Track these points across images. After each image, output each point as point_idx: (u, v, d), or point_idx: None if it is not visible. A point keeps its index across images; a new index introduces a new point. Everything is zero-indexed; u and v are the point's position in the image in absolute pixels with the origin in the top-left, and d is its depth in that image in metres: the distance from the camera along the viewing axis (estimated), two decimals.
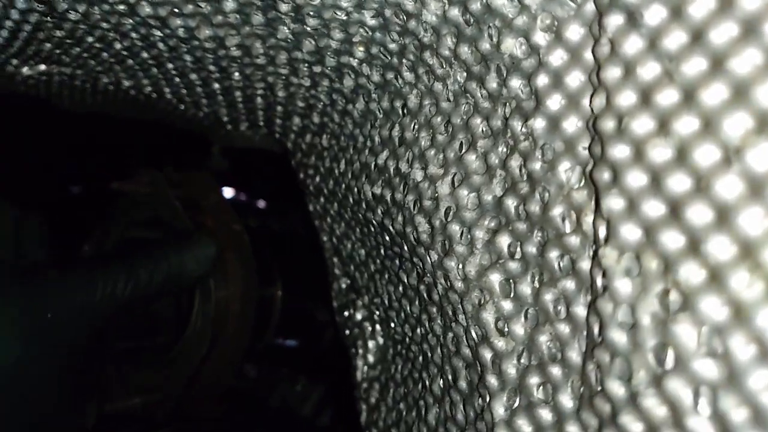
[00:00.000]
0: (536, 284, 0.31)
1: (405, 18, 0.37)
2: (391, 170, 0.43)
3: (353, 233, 0.54)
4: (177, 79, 0.52)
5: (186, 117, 0.68)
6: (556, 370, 0.30)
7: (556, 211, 0.30)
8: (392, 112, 0.43)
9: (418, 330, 0.43)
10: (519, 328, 0.32)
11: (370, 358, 0.55)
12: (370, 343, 0.55)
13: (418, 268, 0.41)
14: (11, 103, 0.69)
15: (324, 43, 0.42)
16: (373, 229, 0.48)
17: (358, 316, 0.57)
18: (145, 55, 0.48)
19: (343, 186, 0.51)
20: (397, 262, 0.45)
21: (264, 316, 0.74)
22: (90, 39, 0.45)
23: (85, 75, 0.54)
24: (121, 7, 0.40)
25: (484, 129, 0.34)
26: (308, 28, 0.41)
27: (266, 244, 0.76)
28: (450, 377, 0.38)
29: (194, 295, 0.66)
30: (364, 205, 0.47)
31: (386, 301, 0.49)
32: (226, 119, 0.61)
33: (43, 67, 0.51)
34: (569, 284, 0.29)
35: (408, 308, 0.44)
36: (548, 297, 0.30)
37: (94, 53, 0.48)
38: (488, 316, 0.33)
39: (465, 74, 0.35)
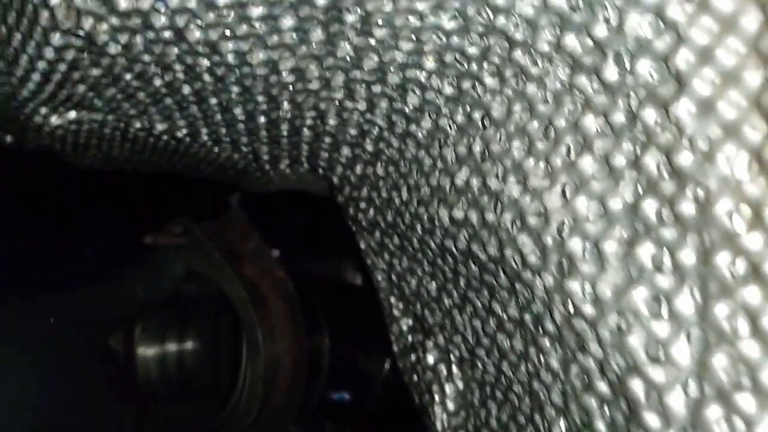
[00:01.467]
0: (699, 299, 0.26)
1: (492, 15, 0.33)
2: (476, 189, 0.38)
3: (419, 267, 0.49)
4: (218, 116, 0.48)
5: (218, 162, 0.64)
6: (744, 399, 0.24)
7: (721, 208, 0.25)
8: (469, 126, 0.39)
9: (523, 367, 0.38)
10: (681, 353, 0.27)
11: (450, 405, 0.49)
12: (448, 388, 0.50)
13: (522, 296, 0.36)
14: (28, 160, 0.65)
15: (389, 57, 0.38)
16: (451, 259, 0.43)
17: (430, 360, 0.51)
18: (186, 90, 0.44)
19: (407, 215, 0.47)
20: (485, 293, 0.41)
21: (313, 370, 0.68)
22: (128, 76, 0.41)
23: (117, 120, 0.50)
24: (167, 34, 0.36)
25: (600, 127, 0.30)
26: (373, 41, 0.37)
27: (309, 290, 0.71)
28: (578, 419, 0.33)
29: (241, 351, 0.60)
30: (439, 233, 0.43)
31: (471, 339, 0.44)
32: (265, 158, 0.57)
33: (73, 114, 0.47)
34: (750, 293, 0.24)
35: (506, 343, 0.39)
36: (720, 310, 0.25)
37: (130, 93, 0.44)
38: (635, 342, 0.28)
39: (570, 69, 0.31)
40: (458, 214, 0.40)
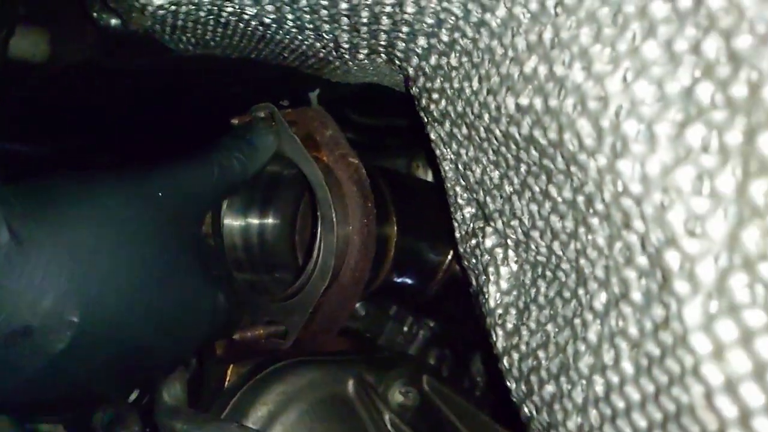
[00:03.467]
0: (739, 176, 0.28)
1: None
2: (542, 77, 0.40)
3: (485, 156, 0.52)
4: (303, 1, 0.51)
5: (300, 50, 0.67)
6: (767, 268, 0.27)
7: None
8: (542, 14, 0.40)
9: (572, 246, 0.41)
10: (717, 228, 0.29)
11: (504, 285, 0.53)
12: (503, 270, 0.54)
13: (576, 178, 0.38)
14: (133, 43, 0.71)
15: None
16: (514, 146, 0.45)
17: (488, 243, 0.55)
18: None
19: (477, 105, 0.49)
20: (544, 177, 0.43)
21: (379, 254, 0.74)
22: None
23: (211, 4, 0.54)
24: None
25: (666, 13, 0.31)
26: None
27: (381, 181, 0.75)
28: (617, 290, 0.36)
29: (316, 229, 0.66)
30: (504, 121, 0.45)
31: (527, 222, 0.47)
32: (345, 46, 0.60)
33: None
34: None
35: (559, 224, 0.42)
36: (757, 188, 0.27)
37: None
38: (675, 217, 0.30)
39: None
40: (524, 101, 0.42)
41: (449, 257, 0.81)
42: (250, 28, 0.60)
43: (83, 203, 0.49)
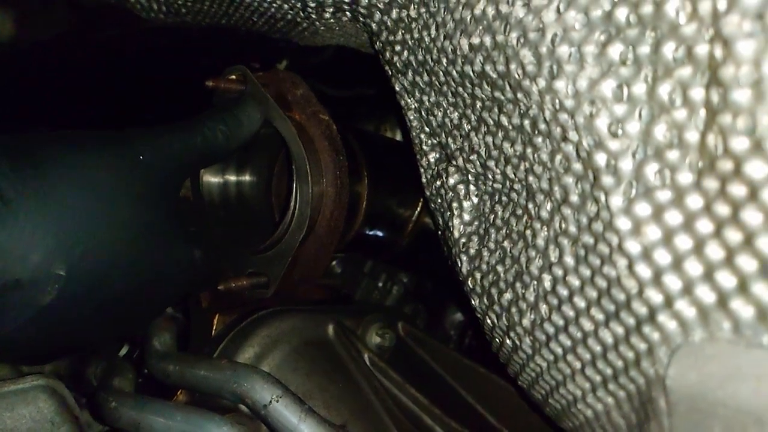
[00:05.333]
0: (650, 81, 0.33)
1: None
2: (490, 16, 0.45)
3: (445, 99, 0.57)
4: None
5: (269, 13, 0.71)
6: (673, 154, 0.32)
7: (671, 6, 0.32)
8: None
9: (522, 166, 0.46)
10: (633, 126, 0.34)
11: (466, 217, 0.59)
12: (465, 204, 0.59)
13: (522, 104, 0.44)
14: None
15: None
16: (469, 84, 0.50)
17: (451, 182, 0.60)
18: None
19: (435, 51, 0.54)
20: (496, 109, 0.48)
21: (352, 207, 0.78)
22: None
23: None
24: None
25: None
26: None
27: (351, 138, 0.79)
28: (559, 196, 0.41)
29: (292, 183, 0.70)
30: (460, 61, 0.50)
31: (484, 153, 0.52)
32: (312, 5, 0.64)
33: None
34: (685, 72, 0.31)
35: (511, 150, 0.47)
36: (663, 89, 0.33)
37: None
38: (601, 123, 0.36)
39: None
40: (475, 40, 0.47)
41: (418, 209, 0.87)
42: None
43: (68, 165, 0.52)
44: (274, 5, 0.67)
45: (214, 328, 0.75)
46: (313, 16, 0.67)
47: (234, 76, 0.73)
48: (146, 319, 0.68)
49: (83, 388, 0.75)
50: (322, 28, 0.71)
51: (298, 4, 0.65)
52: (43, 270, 0.47)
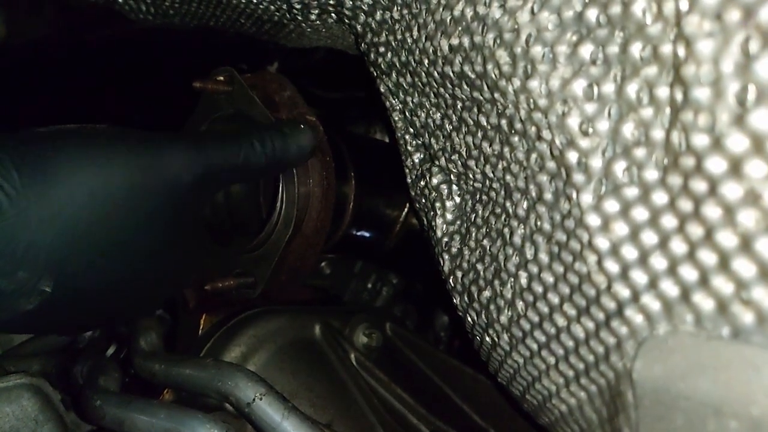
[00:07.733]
0: (619, 80, 0.34)
1: None
2: (468, 17, 0.46)
3: (427, 100, 0.57)
4: None
5: (256, 15, 0.72)
6: (640, 152, 0.33)
7: (638, 6, 0.32)
8: None
9: (500, 165, 0.47)
10: (603, 125, 0.35)
11: (449, 216, 0.59)
12: (448, 203, 0.60)
13: (499, 103, 0.44)
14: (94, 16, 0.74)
15: None
16: (450, 84, 0.51)
17: (434, 181, 0.61)
18: None
19: (417, 52, 0.55)
20: (475, 109, 0.49)
21: (340, 207, 0.79)
22: None
23: None
24: None
25: None
26: None
27: (339, 140, 0.80)
28: (534, 195, 0.42)
29: (279, 183, 0.71)
30: (440, 62, 0.51)
31: (464, 153, 0.53)
32: (298, 7, 0.65)
33: None
34: (651, 71, 0.32)
35: (489, 149, 0.48)
36: (631, 88, 0.33)
37: None
38: (573, 122, 0.37)
39: None
40: (455, 41, 0.47)
41: (405, 210, 0.87)
42: None
43: (76, 173, 0.46)
44: (261, 6, 0.68)
45: (201, 328, 0.76)
46: (299, 17, 0.68)
47: (221, 78, 0.73)
48: (127, 322, 0.68)
49: (70, 387, 0.75)
50: (308, 29, 0.72)
51: (284, 6, 0.66)
52: (29, 285, 0.45)
